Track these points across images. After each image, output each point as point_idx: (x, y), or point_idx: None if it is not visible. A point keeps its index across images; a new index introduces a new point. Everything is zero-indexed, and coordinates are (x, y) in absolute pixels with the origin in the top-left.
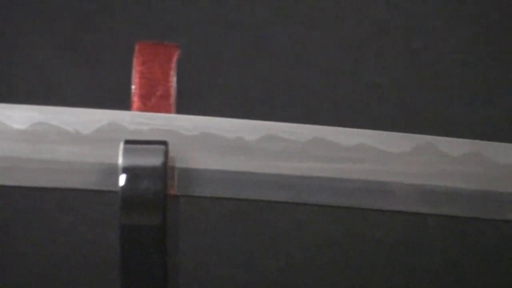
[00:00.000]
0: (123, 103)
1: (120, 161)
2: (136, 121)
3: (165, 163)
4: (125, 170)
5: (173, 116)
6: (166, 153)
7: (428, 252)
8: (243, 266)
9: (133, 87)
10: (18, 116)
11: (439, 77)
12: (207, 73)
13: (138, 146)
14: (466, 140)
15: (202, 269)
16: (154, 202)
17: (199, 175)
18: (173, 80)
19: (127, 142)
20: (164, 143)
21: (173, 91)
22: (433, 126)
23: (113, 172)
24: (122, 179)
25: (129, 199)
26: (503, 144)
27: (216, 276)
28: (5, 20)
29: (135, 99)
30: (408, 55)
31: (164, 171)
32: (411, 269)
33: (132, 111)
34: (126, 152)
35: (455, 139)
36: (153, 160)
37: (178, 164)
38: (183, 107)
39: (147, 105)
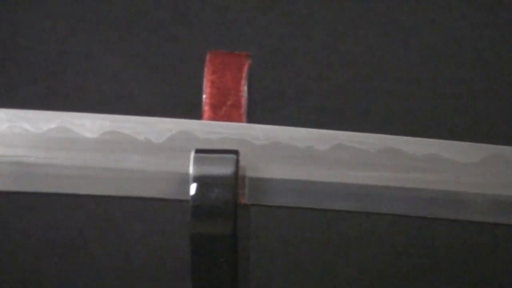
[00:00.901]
0: (194, 112)
1: (191, 170)
2: (207, 130)
3: (235, 173)
4: (196, 179)
5: (244, 125)
6: (237, 162)
7: (499, 261)
8: (313, 276)
9: (204, 96)
10: (90, 125)
11: None
12: (278, 82)
13: (209, 155)
14: None
15: (272, 278)
16: (225, 211)
17: (270, 185)
18: (244, 89)
19: (198, 151)
20: (235, 152)
21: (244, 100)
22: (504, 136)
23: (184, 181)
24: (193, 188)
25: (199, 208)
26: None
27: (286, 286)
28: (79, 29)
29: (206, 108)
30: (480, 65)
31: (235, 181)
32: (481, 278)
33: (203, 120)
34: (197, 161)
35: None
36: (224, 169)
37: (248, 174)
38: (254, 116)
39: (218, 114)
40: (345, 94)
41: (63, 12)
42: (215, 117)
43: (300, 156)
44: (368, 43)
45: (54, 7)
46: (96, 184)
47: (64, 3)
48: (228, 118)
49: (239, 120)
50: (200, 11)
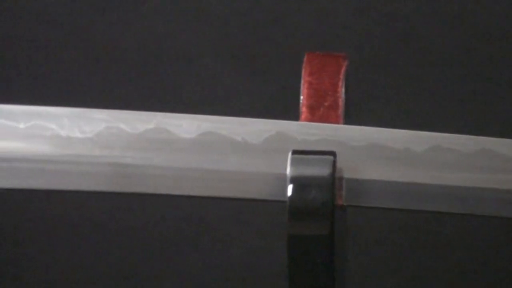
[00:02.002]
0: (292, 114)
1: (288, 171)
2: (304, 131)
3: (333, 174)
4: (293, 180)
5: (341, 126)
6: (334, 163)
7: None
8: (410, 278)
9: (301, 97)
10: (187, 126)
11: None
12: (375, 83)
13: (306, 156)
14: None
15: (369, 279)
16: (322, 212)
17: (367, 186)
18: (341, 90)
19: (295, 152)
20: (332, 153)
21: (341, 101)
22: None
23: (281, 182)
24: (290, 189)
25: (297, 209)
26: None
27: (383, 287)
28: (177, 30)
29: (304, 109)
30: None
31: (332, 182)
32: None
33: (300, 122)
34: (294, 162)
35: None
36: (321, 170)
37: (346, 175)
38: (351, 118)
39: (316, 116)
40: (442, 95)
41: (162, 12)
42: (313, 118)
43: (397, 157)
44: (464, 44)
45: (149, 7)
46: (192, 185)
47: (162, 2)
48: (325, 119)
49: (336, 122)
50: (298, 13)
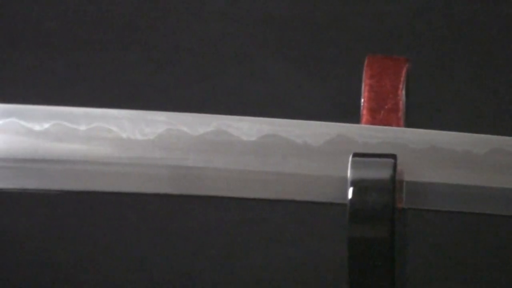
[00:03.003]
0: (352, 116)
1: (349, 174)
2: (365, 134)
3: (393, 177)
4: (354, 183)
5: (402, 129)
6: (394, 166)
7: None
8: (470, 282)
9: (362, 100)
10: (248, 128)
11: None
12: (436, 86)
13: (367, 159)
14: None
15: (429, 283)
16: (382, 215)
17: (427, 189)
18: (402, 93)
19: (355, 155)
20: (393, 156)
21: (402, 104)
22: None
23: (342, 184)
24: (350, 192)
25: (357, 212)
26: None
27: None
28: (236, 31)
29: (364, 112)
30: None
31: (393, 185)
32: None
33: (361, 124)
34: (354, 165)
35: None
36: (381, 173)
37: (406, 178)
38: (411, 121)
39: (376, 118)
40: (503, 98)
41: (219, 12)
42: (373, 121)
43: (458, 160)
44: None
45: (210, 9)
46: (253, 187)
47: (219, 4)
48: (386, 122)
49: (397, 124)
50: (359, 15)
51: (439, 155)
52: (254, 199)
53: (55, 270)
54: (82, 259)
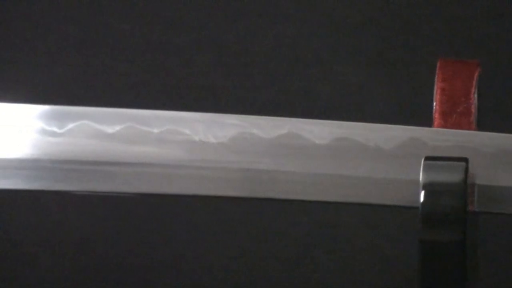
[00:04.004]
0: (425, 120)
1: (421, 177)
2: (436, 137)
3: (465, 180)
4: (426, 186)
5: (474, 132)
6: (466, 169)
7: None
8: None
9: (434, 103)
10: (320, 131)
11: None
12: (508, 90)
13: (439, 162)
14: None
15: (501, 286)
16: (454, 218)
17: (499, 192)
18: (474, 97)
19: (427, 158)
20: (465, 160)
21: (473, 108)
22: None
23: (414, 188)
24: (422, 195)
25: (429, 215)
26: None
27: None
28: (307, 34)
29: (436, 116)
30: None
31: (464, 188)
32: None
33: (433, 128)
34: (426, 168)
35: None
36: (453, 176)
37: (478, 181)
38: (483, 124)
39: (448, 122)
40: None
41: (291, 16)
42: (445, 124)
43: None
44: None
45: (283, 12)
46: (325, 190)
47: (291, 7)
48: (458, 125)
49: (469, 128)
50: (431, 19)
51: (510, 159)
52: (325, 202)
53: (126, 273)
54: (155, 262)
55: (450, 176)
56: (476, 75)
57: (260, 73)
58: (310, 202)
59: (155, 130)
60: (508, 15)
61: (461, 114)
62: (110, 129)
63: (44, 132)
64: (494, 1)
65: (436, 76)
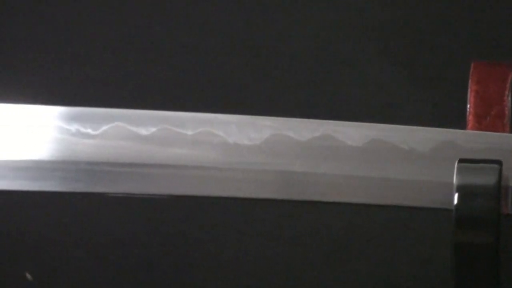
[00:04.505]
0: (459, 122)
1: (455, 179)
2: (471, 140)
3: (499, 182)
4: (459, 188)
5: (508, 135)
6: (500, 172)
7: None
8: None
9: (468, 106)
10: (354, 134)
11: None
12: None
13: (472, 165)
14: None
15: None
16: (487, 220)
17: None
18: (508, 99)
19: (461, 161)
20: (499, 162)
21: (507, 110)
22: None
23: (447, 190)
24: (456, 198)
25: (462, 217)
26: None
27: None
28: (340, 36)
29: (470, 118)
30: None
31: (498, 190)
32: None
33: (467, 130)
34: (460, 170)
35: None
36: (487, 179)
37: None
38: None
39: (482, 124)
40: None
41: (324, 18)
42: (479, 127)
43: None
44: None
45: (316, 15)
46: (358, 192)
47: (325, 10)
48: (492, 128)
49: (503, 130)
50: (465, 22)
51: None
52: (359, 204)
53: (158, 274)
54: (187, 264)
55: (484, 178)
56: (509, 77)
57: (294, 75)
58: (344, 204)
59: (190, 132)
60: None
61: (495, 116)
62: (144, 131)
63: (79, 134)
64: None
65: (470, 79)
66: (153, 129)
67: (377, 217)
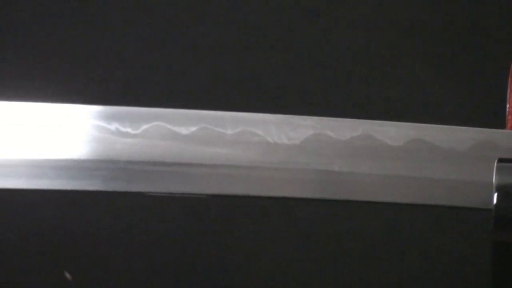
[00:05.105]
0: (498, 122)
1: (494, 179)
2: (510, 139)
3: None
4: (499, 188)
5: None
6: None
7: None
8: None
9: (507, 105)
10: (394, 133)
11: None
12: None
13: None
14: None
15: None
16: None
17: None
18: None
19: (501, 160)
20: None
21: None
22: None
23: (487, 190)
24: (495, 197)
25: (502, 217)
26: None
27: None
28: (382, 38)
29: (510, 118)
30: None
31: None
32: None
33: (506, 130)
34: (500, 170)
35: None
36: None
37: None
38: None
39: None
40: None
41: (363, 20)
42: None
43: None
44: None
45: (354, 17)
46: (398, 192)
47: (363, 12)
48: None
49: None
50: (504, 21)
51: None
52: (398, 204)
53: (198, 274)
54: (226, 264)
55: None
56: None
57: (333, 74)
58: (383, 203)
59: (229, 132)
60: None
61: None
62: (184, 130)
63: (118, 133)
64: None
65: (510, 79)
66: (193, 128)
67: (415, 217)
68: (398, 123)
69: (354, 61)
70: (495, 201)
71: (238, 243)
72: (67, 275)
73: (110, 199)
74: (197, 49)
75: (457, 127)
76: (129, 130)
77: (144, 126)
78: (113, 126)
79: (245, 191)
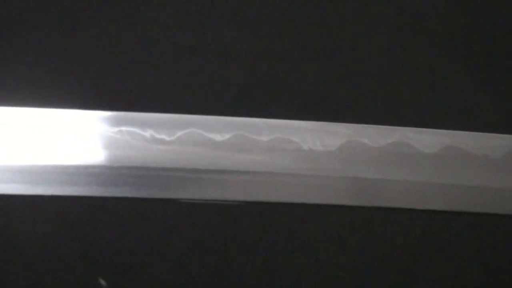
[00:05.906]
0: None
1: None
2: None
3: None
4: None
5: None
6: None
7: None
8: None
9: None
10: (429, 140)
11: None
12: None
13: None
14: None
15: None
16: None
17: None
18: None
19: None
20: None
21: None
22: None
23: None
24: None
25: None
26: None
27: None
28: (418, 44)
29: None
30: None
31: None
32: None
33: None
34: None
35: None
36: None
37: None
38: None
39: None
40: None
41: (398, 25)
42: None
43: None
44: None
45: (389, 22)
46: (434, 199)
47: (399, 17)
48: None
49: None
50: None
51: None
52: (433, 211)
53: (233, 279)
54: (257, 269)
55: None
56: None
57: (369, 81)
58: (417, 210)
59: (264, 139)
60: None
61: None
62: (219, 137)
63: (153, 140)
64: None
65: None
66: (228, 135)
67: (450, 224)
68: (433, 130)
69: (390, 68)
70: None
71: (273, 249)
72: (102, 282)
73: (144, 205)
74: (232, 56)
75: (492, 134)
76: (164, 136)
77: (179, 133)
78: (148, 133)
79: (279, 197)
